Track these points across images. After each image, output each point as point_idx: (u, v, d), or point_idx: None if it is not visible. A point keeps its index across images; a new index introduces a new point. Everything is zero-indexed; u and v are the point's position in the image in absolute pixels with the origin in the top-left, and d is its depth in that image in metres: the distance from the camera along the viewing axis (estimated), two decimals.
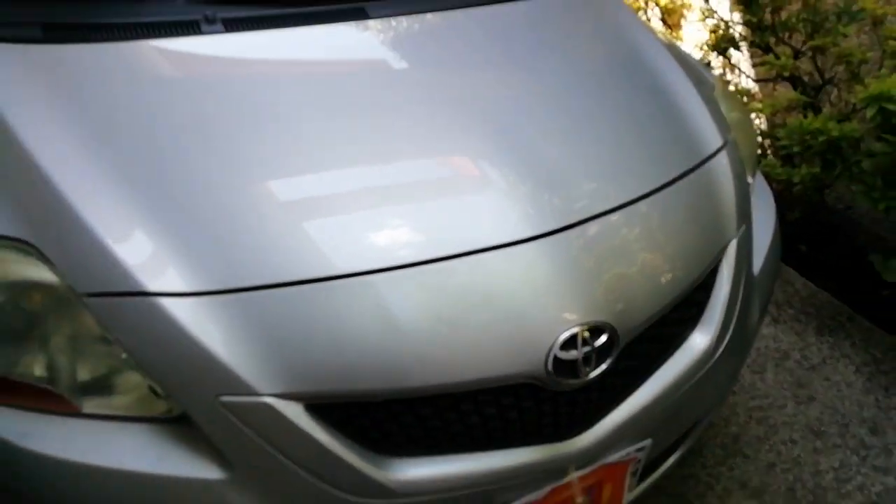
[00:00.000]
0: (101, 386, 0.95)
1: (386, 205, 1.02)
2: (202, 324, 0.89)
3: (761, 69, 2.43)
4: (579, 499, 1.11)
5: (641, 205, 1.12)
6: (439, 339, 0.94)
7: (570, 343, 0.97)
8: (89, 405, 0.94)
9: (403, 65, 1.28)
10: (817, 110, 2.28)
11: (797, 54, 2.31)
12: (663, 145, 1.27)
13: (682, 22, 2.99)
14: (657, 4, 2.93)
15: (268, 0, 1.28)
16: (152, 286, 0.90)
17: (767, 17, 2.30)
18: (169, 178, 1.00)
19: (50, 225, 0.94)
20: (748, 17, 2.32)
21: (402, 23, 1.33)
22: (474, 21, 1.39)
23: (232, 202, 0.98)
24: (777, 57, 2.33)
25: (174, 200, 0.97)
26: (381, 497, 0.95)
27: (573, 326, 0.97)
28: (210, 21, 1.22)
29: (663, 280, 1.10)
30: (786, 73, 2.19)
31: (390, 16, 1.33)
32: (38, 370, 0.94)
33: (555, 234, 1.01)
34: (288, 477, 0.92)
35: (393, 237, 0.99)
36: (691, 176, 1.23)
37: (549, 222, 1.02)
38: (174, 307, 0.89)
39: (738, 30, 2.63)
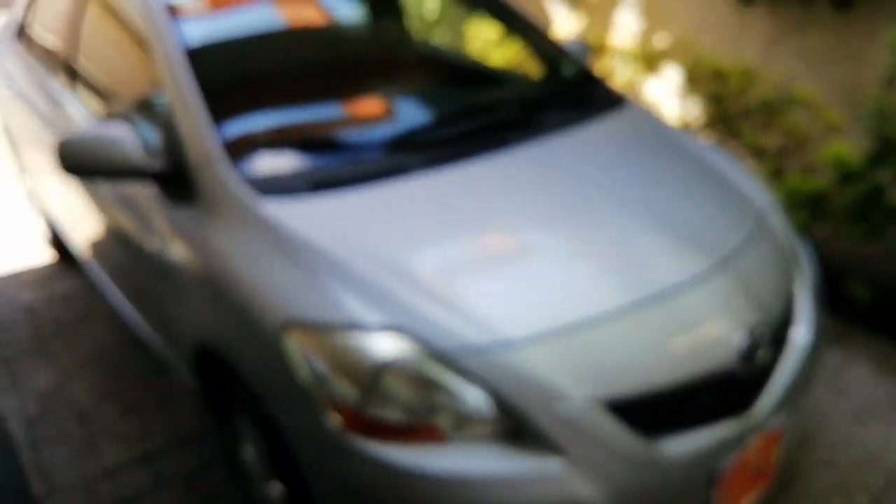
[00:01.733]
0: (456, 420, 1.47)
1: (618, 263, 1.66)
2: (532, 358, 1.47)
3: (730, 146, 3.30)
4: (755, 457, 1.72)
5: (752, 237, 1.85)
6: (678, 346, 1.56)
7: (747, 338, 1.61)
8: (454, 434, 1.47)
9: (541, 168, 1.98)
10: (781, 173, 3.14)
11: (755, 131, 3.20)
12: (739, 201, 2.01)
13: None
14: None
15: (447, 146, 1.94)
16: (493, 339, 1.47)
17: (729, 106, 3.20)
18: (462, 265, 1.60)
19: (407, 313, 1.51)
20: (716, 108, 3.21)
21: (536, 144, 2.04)
22: (584, 136, 2.13)
23: (512, 272, 1.61)
24: (739, 136, 3.21)
25: (477, 278, 1.58)
26: (653, 462, 1.52)
27: (749, 326, 1.63)
28: (414, 163, 1.87)
29: (781, 293, 1.79)
30: (754, 148, 3.06)
31: (522, 143, 2.03)
32: (431, 415, 1.47)
33: (720, 263, 1.70)
34: (602, 455, 1.47)
35: (631, 280, 1.63)
36: (761, 219, 1.96)
37: (711, 256, 1.71)
38: (511, 350, 1.47)
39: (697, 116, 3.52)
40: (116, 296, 2.69)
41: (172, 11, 2.16)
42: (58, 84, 2.78)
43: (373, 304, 1.53)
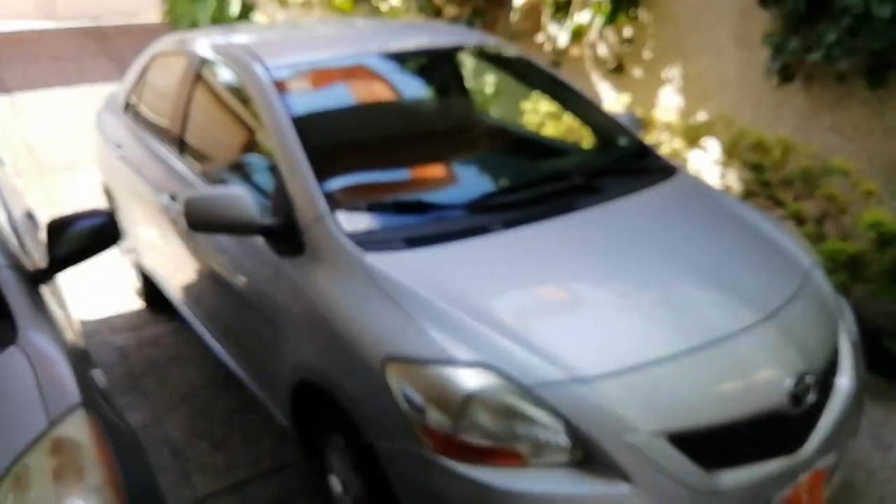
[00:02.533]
0: (535, 446, 1.63)
1: (679, 312, 1.83)
2: (603, 393, 1.63)
3: (771, 213, 3.45)
4: (805, 497, 1.83)
5: (800, 294, 1.99)
6: (734, 387, 1.71)
7: (795, 383, 1.75)
8: (533, 460, 1.62)
9: (606, 230, 2.17)
10: (821, 237, 3.28)
11: (797, 199, 3.36)
12: (787, 261, 2.18)
13: None
14: None
15: (523, 209, 2.16)
16: (568, 376, 1.65)
17: (770, 176, 3.37)
18: (539, 311, 1.79)
19: (493, 351, 1.70)
20: (757, 177, 3.38)
21: (600, 208, 2.24)
22: (643, 201, 2.33)
23: (583, 318, 1.81)
24: (778, 203, 3.37)
25: (553, 322, 1.76)
26: (710, 492, 1.65)
27: (797, 372, 1.76)
28: (494, 224, 2.09)
29: (826, 344, 1.93)
30: (796, 215, 3.21)
31: (588, 207, 2.23)
32: (514, 441, 1.64)
33: (771, 316, 1.85)
34: (664, 483, 1.61)
35: (691, 327, 1.79)
36: (808, 278, 2.11)
37: (764, 310, 1.86)
38: (585, 386, 1.64)
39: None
40: (212, 339, 2.92)
41: (279, 87, 2.45)
42: (166, 150, 3.10)
43: (463, 343, 1.72)
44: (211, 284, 2.74)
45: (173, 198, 2.92)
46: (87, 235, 2.00)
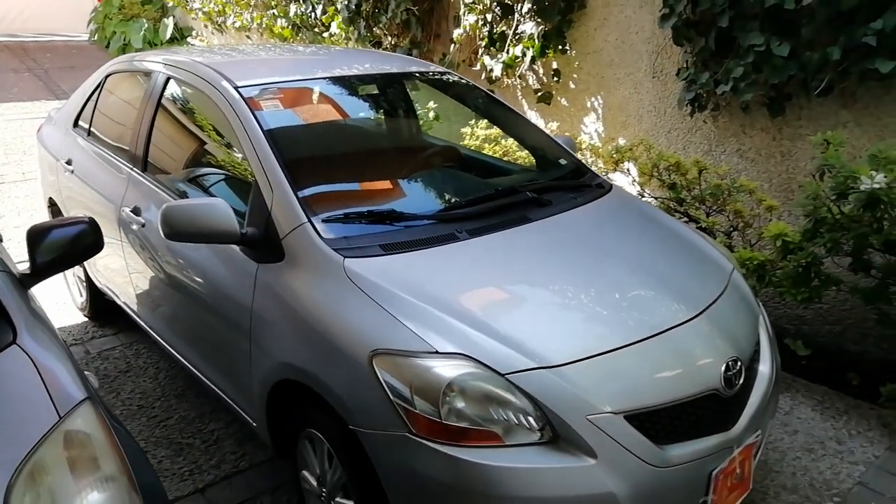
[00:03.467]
0: (510, 428, 1.76)
1: (628, 310, 2.00)
2: (569, 379, 1.78)
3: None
4: (738, 469, 2.03)
5: (726, 293, 2.21)
6: (676, 373, 1.89)
7: (727, 368, 1.96)
8: (508, 440, 1.75)
9: (559, 238, 2.34)
10: (731, 248, 3.59)
11: (708, 214, 3.66)
12: (713, 265, 2.41)
13: None
14: None
15: (483, 219, 2.30)
16: (537, 364, 1.79)
17: (685, 194, 3.66)
18: (508, 308, 1.94)
19: (469, 343, 1.82)
20: (673, 194, 3.67)
21: (552, 219, 2.42)
22: (587, 213, 2.51)
23: (547, 314, 1.97)
24: (691, 218, 3.67)
25: (521, 318, 1.92)
26: (662, 465, 1.82)
27: (728, 359, 1.97)
28: (460, 232, 2.21)
29: (749, 336, 2.16)
30: (710, 228, 3.51)
31: (541, 218, 2.40)
32: (490, 423, 1.76)
33: (705, 312, 2.06)
34: (624, 456, 1.77)
35: (639, 322, 1.97)
36: (731, 279, 2.34)
37: (699, 307, 2.06)
38: (552, 373, 1.78)
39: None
40: (174, 348, 2.89)
41: (250, 104, 2.51)
42: (127, 165, 3.07)
43: (441, 337, 1.83)
44: (175, 294, 2.74)
45: (136, 211, 2.90)
46: (68, 243, 1.99)
